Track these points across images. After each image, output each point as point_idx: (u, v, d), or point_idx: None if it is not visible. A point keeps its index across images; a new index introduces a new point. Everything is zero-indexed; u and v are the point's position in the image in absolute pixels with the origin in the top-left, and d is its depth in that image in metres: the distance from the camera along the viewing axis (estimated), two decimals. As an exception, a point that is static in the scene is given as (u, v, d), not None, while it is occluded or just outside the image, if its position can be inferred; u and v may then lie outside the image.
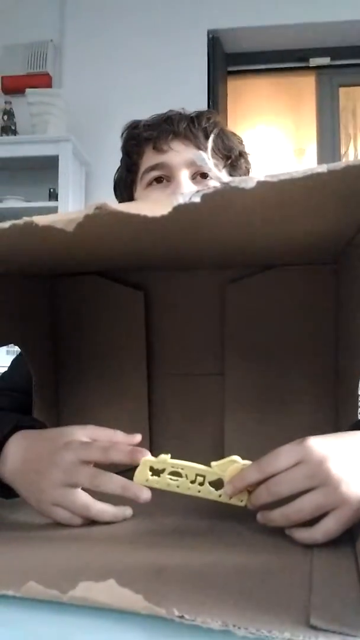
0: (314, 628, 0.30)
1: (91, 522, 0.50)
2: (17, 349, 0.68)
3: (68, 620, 0.34)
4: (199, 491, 0.48)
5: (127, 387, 0.68)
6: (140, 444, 0.52)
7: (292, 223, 0.46)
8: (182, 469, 0.49)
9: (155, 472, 0.49)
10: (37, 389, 0.67)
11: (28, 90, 2.34)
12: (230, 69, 2.61)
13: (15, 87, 2.48)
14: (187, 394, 0.67)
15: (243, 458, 0.48)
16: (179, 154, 0.76)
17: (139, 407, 0.67)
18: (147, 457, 0.49)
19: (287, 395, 0.63)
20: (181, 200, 0.34)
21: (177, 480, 0.49)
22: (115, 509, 0.50)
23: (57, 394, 0.71)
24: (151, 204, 0.35)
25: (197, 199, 0.35)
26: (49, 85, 2.50)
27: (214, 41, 2.48)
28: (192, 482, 0.48)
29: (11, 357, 0.80)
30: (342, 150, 2.54)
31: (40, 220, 0.36)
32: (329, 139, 2.55)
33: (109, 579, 0.34)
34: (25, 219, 0.36)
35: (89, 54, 2.53)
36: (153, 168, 0.78)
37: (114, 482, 0.49)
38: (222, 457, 0.57)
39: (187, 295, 0.67)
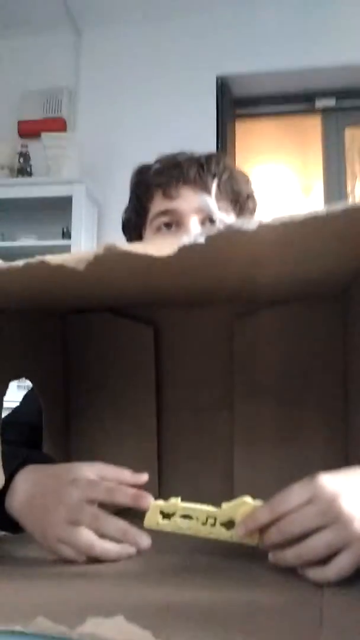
0: (324, 666, 0.30)
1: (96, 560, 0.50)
2: (28, 383, 0.69)
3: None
4: (211, 532, 0.48)
5: (136, 422, 0.68)
6: (148, 479, 0.52)
7: (295, 262, 0.48)
8: (192, 510, 0.48)
9: (166, 515, 0.49)
10: (47, 424, 0.68)
11: (43, 134, 2.43)
12: (238, 112, 2.69)
13: (32, 131, 2.58)
14: (196, 428, 0.67)
15: (253, 493, 0.48)
16: (188, 201, 0.78)
17: (149, 442, 0.67)
18: (157, 502, 0.49)
19: (296, 428, 0.63)
20: (186, 241, 0.36)
21: (188, 522, 0.48)
22: (120, 547, 0.49)
23: (67, 429, 0.71)
24: (157, 245, 0.36)
25: (201, 240, 0.36)
26: (64, 130, 2.59)
27: (223, 86, 2.56)
28: (204, 523, 0.48)
29: (22, 392, 0.81)
30: (349, 189, 2.58)
31: (53, 259, 0.38)
32: (335, 178, 2.59)
33: (117, 615, 0.34)
34: (38, 257, 0.38)
35: (102, 99, 2.63)
36: (162, 214, 0.80)
37: (115, 527, 0.49)
38: (231, 492, 0.57)
39: (196, 330, 0.68)
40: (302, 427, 0.63)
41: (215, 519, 0.48)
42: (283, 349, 0.64)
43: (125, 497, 0.49)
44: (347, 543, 0.42)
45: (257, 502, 0.47)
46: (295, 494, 0.45)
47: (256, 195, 0.86)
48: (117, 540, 0.49)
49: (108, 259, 0.37)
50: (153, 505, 0.49)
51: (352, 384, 0.60)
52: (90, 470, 0.52)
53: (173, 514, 0.49)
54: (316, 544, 0.43)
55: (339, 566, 0.43)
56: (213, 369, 0.67)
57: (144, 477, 0.52)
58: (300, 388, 0.63)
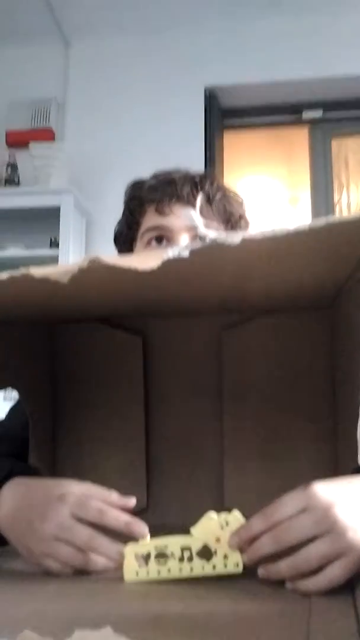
0: None
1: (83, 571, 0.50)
2: (15, 395, 0.68)
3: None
4: (192, 569, 0.47)
5: (124, 434, 0.68)
6: (137, 492, 0.52)
7: (280, 275, 0.48)
8: (165, 546, 0.47)
9: (143, 558, 0.47)
10: (33, 435, 0.68)
11: (31, 144, 2.43)
12: (226, 122, 2.71)
13: (19, 141, 2.58)
14: (186, 438, 0.67)
15: (243, 504, 0.47)
16: (180, 218, 0.78)
17: (137, 453, 0.67)
18: (128, 548, 0.48)
19: (286, 438, 0.63)
20: (170, 254, 0.36)
21: (165, 564, 0.47)
22: (107, 560, 0.49)
23: (54, 440, 0.71)
24: (142, 258, 0.36)
25: (185, 254, 0.36)
26: (52, 140, 2.60)
27: (211, 97, 2.58)
28: (181, 559, 0.47)
29: (8, 404, 0.81)
30: (336, 198, 2.61)
31: (37, 272, 0.38)
32: (322, 188, 2.62)
33: (104, 626, 0.34)
34: (22, 270, 0.38)
35: (90, 109, 2.64)
36: (154, 229, 0.80)
37: (111, 550, 0.48)
38: (222, 504, 0.57)
39: (184, 340, 0.68)
40: (292, 436, 0.63)
41: (190, 550, 0.47)
42: (271, 360, 0.65)
43: (116, 521, 0.49)
44: (341, 553, 0.42)
45: (222, 514, 0.47)
46: (289, 503, 0.44)
47: (249, 216, 0.87)
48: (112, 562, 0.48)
49: (92, 271, 0.38)
50: (126, 551, 0.47)
51: (341, 395, 0.61)
52: (79, 489, 0.51)
53: (148, 556, 0.47)
54: (311, 554, 0.43)
55: (331, 576, 0.43)
56: (201, 380, 0.67)
57: (131, 502, 0.51)
58: (289, 399, 0.64)
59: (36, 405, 0.69)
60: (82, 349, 0.71)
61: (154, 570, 0.47)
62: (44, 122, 2.62)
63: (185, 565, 0.47)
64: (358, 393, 0.52)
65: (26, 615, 0.39)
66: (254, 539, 0.45)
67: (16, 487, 0.54)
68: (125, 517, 0.49)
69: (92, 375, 0.70)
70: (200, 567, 0.47)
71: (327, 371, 0.64)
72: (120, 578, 0.48)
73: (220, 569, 0.46)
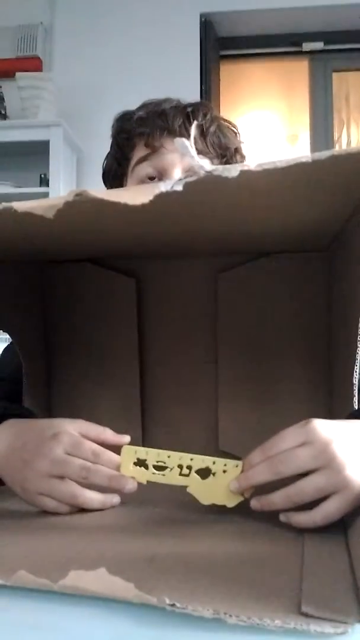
0: (305, 615, 0.30)
1: (79, 510, 0.50)
2: (7, 336, 0.67)
3: (58, 609, 0.34)
4: (187, 482, 0.48)
5: (119, 375, 0.67)
6: (132, 432, 0.52)
7: (279, 212, 0.46)
8: (167, 460, 0.48)
9: (140, 462, 0.49)
10: (27, 377, 0.67)
11: (18, 74, 2.30)
12: (222, 53, 2.58)
13: (5, 70, 2.44)
14: (180, 382, 0.66)
15: (237, 447, 0.48)
16: (172, 152, 0.74)
17: (131, 395, 0.66)
18: (131, 447, 0.49)
19: (281, 383, 0.63)
20: (163, 188, 0.34)
21: (162, 471, 0.49)
22: (103, 496, 0.50)
23: (48, 382, 0.71)
24: (133, 192, 0.34)
25: (179, 187, 0.34)
26: (40, 69, 2.47)
27: (207, 25, 2.44)
28: (179, 473, 0.48)
29: (2, 345, 0.80)
30: (336, 136, 2.53)
31: (20, 206, 0.36)
32: (322, 125, 2.53)
33: (99, 567, 0.34)
34: (4, 204, 0.36)
35: (80, 37, 2.49)
36: (144, 165, 0.76)
37: (101, 475, 0.49)
38: (216, 445, 0.57)
39: (179, 283, 0.67)
40: (286, 381, 0.62)
41: (190, 468, 0.48)
42: (267, 302, 0.63)
43: (109, 463, 0.49)
44: (337, 489, 0.43)
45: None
46: (288, 437, 0.45)
47: (245, 150, 0.83)
48: (102, 489, 0.49)
49: (79, 206, 0.35)
50: (127, 449, 0.49)
51: (337, 339, 0.60)
52: (72, 427, 0.52)
53: (145, 462, 0.49)
54: (306, 487, 0.43)
55: (326, 511, 0.43)
56: (196, 322, 0.66)
57: (125, 439, 0.52)
58: (284, 342, 0.63)
59: (28, 347, 0.68)
60: (74, 291, 0.69)
61: (149, 473, 0.49)
62: (31, 50, 2.48)
63: (182, 478, 0.48)
64: (355, 338, 0.51)
65: (21, 556, 0.39)
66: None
67: (9, 428, 0.54)
68: (117, 459, 0.50)
69: (85, 317, 0.69)
70: (193, 481, 0.48)
71: (324, 315, 0.63)
72: (115, 517, 0.49)
73: (210, 497, 0.48)
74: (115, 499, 0.50)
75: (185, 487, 0.48)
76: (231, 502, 0.48)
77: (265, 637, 0.30)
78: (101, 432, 0.52)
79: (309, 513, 0.44)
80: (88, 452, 0.49)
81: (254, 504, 0.46)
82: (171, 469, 0.48)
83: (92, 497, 0.50)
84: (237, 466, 0.48)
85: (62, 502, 0.49)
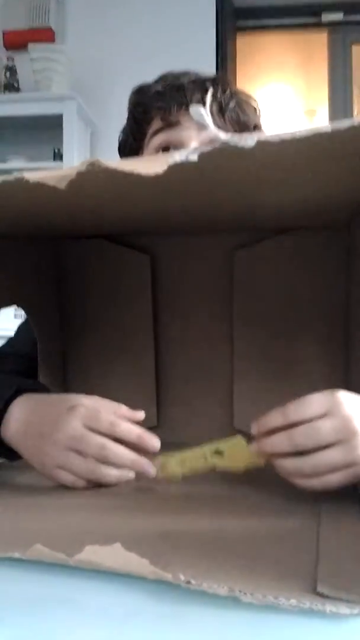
0: (321, 595, 0.30)
1: (95, 485, 0.50)
2: (23, 313, 0.67)
3: (73, 582, 0.34)
4: (205, 458, 0.49)
5: (133, 352, 0.67)
6: (147, 410, 0.52)
7: (297, 185, 0.45)
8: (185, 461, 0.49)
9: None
10: (42, 354, 0.67)
11: (30, 45, 2.27)
12: (239, 24, 2.51)
13: (17, 42, 2.40)
14: (195, 359, 0.66)
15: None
16: (189, 128, 0.73)
17: (146, 372, 0.66)
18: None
19: (297, 361, 0.62)
20: (177, 158, 0.33)
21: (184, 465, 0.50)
22: (119, 471, 0.50)
23: (63, 359, 0.71)
24: (146, 162, 0.33)
25: (194, 157, 0.33)
26: (52, 41, 2.42)
27: (224, -6, 2.38)
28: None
29: (19, 321, 0.80)
30: (355, 110, 2.47)
31: (31, 176, 0.35)
32: (340, 99, 2.47)
33: (115, 542, 0.34)
34: (16, 174, 0.35)
35: (93, 7, 2.44)
36: (160, 139, 0.74)
37: (123, 455, 0.49)
38: (231, 424, 0.57)
39: (194, 260, 0.66)
40: (303, 359, 0.62)
41: (205, 458, 0.49)
42: (284, 280, 0.62)
43: (128, 433, 0.49)
44: (348, 464, 0.43)
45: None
46: (313, 405, 0.44)
47: (263, 125, 0.81)
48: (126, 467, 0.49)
49: (92, 177, 0.34)
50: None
51: (354, 317, 0.59)
52: (88, 401, 0.52)
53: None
54: (321, 462, 0.43)
55: (328, 480, 0.43)
56: (212, 300, 0.65)
57: (140, 415, 0.52)
58: (301, 321, 0.62)
59: (43, 324, 0.68)
60: (88, 268, 0.68)
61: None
62: (44, 21, 2.43)
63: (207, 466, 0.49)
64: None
65: (37, 530, 0.40)
66: (270, 432, 0.45)
67: (25, 402, 0.54)
68: (137, 430, 0.50)
69: (100, 294, 0.68)
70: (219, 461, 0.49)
71: (341, 294, 0.62)
72: (129, 494, 0.49)
73: (228, 462, 0.49)
74: (130, 473, 0.50)
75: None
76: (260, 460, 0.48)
77: (280, 616, 0.30)
78: (116, 408, 0.52)
79: (310, 480, 0.44)
80: (106, 423, 0.49)
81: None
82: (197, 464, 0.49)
83: (108, 473, 0.49)
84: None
85: (79, 476, 0.50)
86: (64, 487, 0.50)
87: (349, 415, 0.43)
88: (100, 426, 0.49)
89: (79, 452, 0.49)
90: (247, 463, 0.48)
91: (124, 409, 0.52)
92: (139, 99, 0.78)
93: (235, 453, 0.48)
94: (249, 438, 0.48)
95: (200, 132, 0.71)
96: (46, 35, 2.41)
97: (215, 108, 0.73)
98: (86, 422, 0.49)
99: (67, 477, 0.50)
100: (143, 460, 0.49)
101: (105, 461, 0.49)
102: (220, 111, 0.74)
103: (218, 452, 0.49)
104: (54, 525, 0.41)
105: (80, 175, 0.34)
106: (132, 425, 0.50)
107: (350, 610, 0.29)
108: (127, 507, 0.46)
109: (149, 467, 0.49)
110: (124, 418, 0.51)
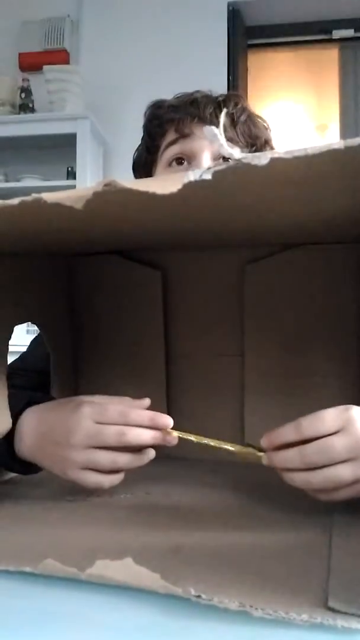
0: (332, 610, 0.30)
1: (110, 494, 0.51)
2: (36, 328, 0.68)
3: (84, 597, 0.34)
4: (219, 444, 0.49)
5: (145, 367, 0.67)
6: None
7: (309, 202, 0.45)
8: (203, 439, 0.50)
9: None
10: (55, 369, 0.68)
11: (45, 67, 2.32)
12: (250, 42, 2.55)
13: (33, 64, 2.46)
14: (205, 375, 0.66)
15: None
16: (202, 140, 0.74)
17: (157, 388, 0.66)
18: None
19: (308, 377, 0.62)
20: (192, 177, 0.33)
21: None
22: (141, 453, 0.50)
23: (75, 374, 0.71)
24: (161, 182, 0.34)
25: (208, 176, 0.34)
26: (67, 62, 2.48)
27: (234, 13, 2.42)
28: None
29: (31, 337, 0.81)
30: (366, 126, 2.48)
31: (49, 197, 0.36)
32: (352, 114, 2.48)
33: (126, 557, 0.34)
34: (34, 195, 0.36)
35: (106, 29, 2.49)
36: (173, 150, 0.76)
37: (143, 434, 0.49)
38: (242, 438, 0.57)
39: (205, 275, 0.66)
40: (314, 375, 0.62)
41: (220, 447, 0.49)
42: (295, 295, 0.63)
43: (140, 417, 0.49)
44: (358, 479, 0.42)
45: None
46: (326, 421, 0.43)
47: (274, 142, 0.82)
48: (148, 445, 0.49)
49: (108, 196, 0.35)
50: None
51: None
52: (93, 399, 0.52)
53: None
54: (330, 477, 0.43)
55: (334, 496, 0.43)
56: (223, 315, 0.66)
57: (146, 402, 0.52)
58: (313, 335, 0.62)
59: (56, 339, 0.68)
60: (100, 283, 0.69)
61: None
62: (58, 43, 2.49)
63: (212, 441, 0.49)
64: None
65: (48, 545, 0.40)
66: (282, 446, 0.45)
67: (32, 414, 0.54)
68: (147, 413, 0.49)
69: (111, 309, 0.69)
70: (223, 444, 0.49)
71: (353, 308, 0.62)
72: (140, 508, 0.49)
73: (242, 455, 0.49)
74: (151, 453, 0.50)
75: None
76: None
77: (292, 631, 0.30)
78: (121, 400, 0.52)
79: (318, 494, 0.44)
80: (115, 414, 0.49)
81: (264, 460, 0.46)
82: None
83: (131, 458, 0.49)
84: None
85: (103, 471, 0.49)
86: (73, 502, 0.51)
87: None
88: (111, 418, 0.49)
89: (99, 447, 0.49)
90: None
91: (128, 400, 0.52)
92: (154, 112, 0.81)
93: (245, 456, 0.48)
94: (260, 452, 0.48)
95: (213, 143, 0.72)
96: (61, 56, 2.47)
97: (227, 122, 0.75)
98: (96, 418, 0.49)
99: (91, 477, 0.49)
100: (163, 433, 0.49)
101: (127, 446, 0.49)
102: (232, 124, 0.76)
103: (229, 452, 0.49)
104: (65, 539, 0.41)
105: (97, 195, 0.35)
106: (141, 411, 0.50)
107: (362, 625, 0.29)
108: (137, 522, 0.46)
109: (171, 438, 0.49)
110: (130, 407, 0.51)
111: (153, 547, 0.39)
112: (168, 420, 0.49)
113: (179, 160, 0.76)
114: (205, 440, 0.50)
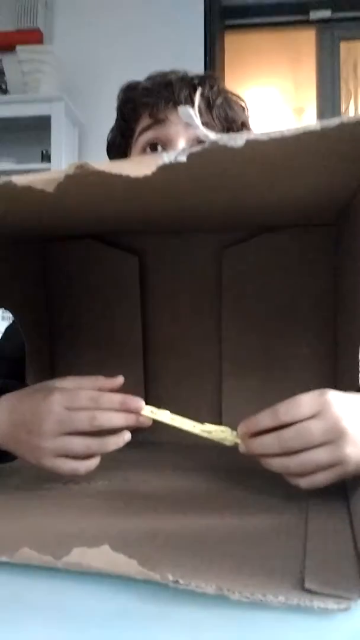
0: (309, 591, 0.30)
1: (88, 481, 0.51)
2: (10, 314, 0.67)
3: (62, 585, 0.34)
4: (194, 426, 0.49)
5: (122, 353, 0.67)
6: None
7: (286, 183, 0.45)
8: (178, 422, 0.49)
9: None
10: (30, 356, 0.67)
11: (18, 47, 2.26)
12: (227, 22, 2.51)
13: (5, 44, 2.39)
14: (183, 359, 0.66)
15: (241, 417, 0.47)
16: (177, 124, 0.73)
17: (135, 372, 0.66)
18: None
19: (285, 359, 0.62)
20: (166, 159, 0.33)
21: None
22: (116, 436, 0.49)
23: (51, 361, 0.70)
24: (135, 164, 0.33)
25: (182, 158, 0.33)
26: (40, 42, 2.41)
27: (211, -7, 2.38)
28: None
29: (5, 324, 0.79)
30: (343, 108, 2.48)
31: (19, 180, 0.35)
32: (329, 96, 2.48)
33: (103, 544, 0.34)
34: (4, 178, 0.35)
35: (80, 8, 2.43)
36: (148, 136, 0.75)
37: (114, 417, 0.48)
38: (220, 423, 0.57)
39: (183, 259, 0.66)
40: (291, 358, 0.62)
41: (194, 426, 0.49)
42: (273, 278, 0.63)
43: (111, 402, 0.48)
44: (335, 464, 0.43)
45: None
46: (303, 405, 0.43)
47: (251, 123, 0.81)
48: (121, 427, 0.49)
49: (81, 179, 0.34)
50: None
51: (343, 316, 0.59)
52: (65, 383, 0.51)
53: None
54: (308, 462, 0.43)
55: (314, 480, 0.43)
56: (200, 300, 0.65)
57: (119, 380, 0.52)
58: (290, 319, 0.62)
59: (31, 325, 0.67)
60: (76, 268, 0.68)
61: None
62: (31, 23, 2.42)
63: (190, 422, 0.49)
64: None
65: (24, 533, 0.39)
66: (259, 433, 0.45)
67: (5, 403, 0.53)
68: (118, 397, 0.49)
69: (87, 294, 0.68)
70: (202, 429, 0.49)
71: (329, 290, 0.62)
72: (116, 494, 0.49)
73: (218, 437, 0.49)
74: (126, 435, 0.50)
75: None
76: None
77: (269, 614, 0.30)
78: (94, 380, 0.51)
79: (296, 478, 0.44)
80: (86, 399, 0.49)
81: (242, 448, 0.47)
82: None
83: (105, 442, 0.49)
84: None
85: (78, 457, 0.49)
86: (50, 490, 0.50)
87: (339, 415, 0.43)
88: (82, 404, 0.49)
89: (71, 434, 0.48)
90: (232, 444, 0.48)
91: (101, 379, 0.52)
92: (128, 96, 0.79)
93: (221, 437, 0.48)
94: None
95: (188, 128, 0.71)
96: (34, 36, 2.41)
97: (203, 105, 0.73)
98: (67, 404, 0.49)
99: (66, 464, 0.49)
100: (132, 398, 0.49)
101: (100, 430, 0.48)
102: (208, 108, 0.74)
103: (206, 431, 0.49)
104: (41, 528, 0.41)
105: (69, 177, 0.34)
106: (112, 394, 0.49)
107: (338, 605, 0.29)
108: (114, 508, 0.45)
109: (144, 419, 0.49)
110: (104, 389, 0.50)
111: (130, 533, 0.39)
112: (139, 403, 0.49)
113: (154, 146, 0.75)
114: (179, 420, 0.49)
